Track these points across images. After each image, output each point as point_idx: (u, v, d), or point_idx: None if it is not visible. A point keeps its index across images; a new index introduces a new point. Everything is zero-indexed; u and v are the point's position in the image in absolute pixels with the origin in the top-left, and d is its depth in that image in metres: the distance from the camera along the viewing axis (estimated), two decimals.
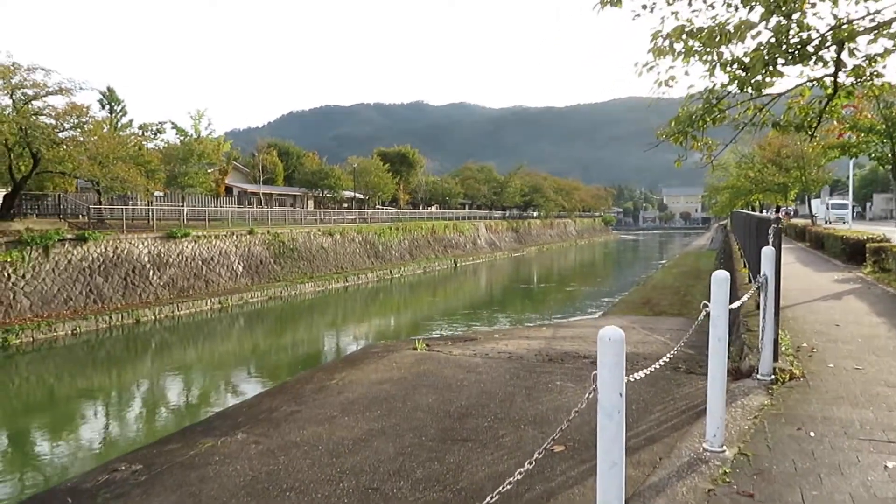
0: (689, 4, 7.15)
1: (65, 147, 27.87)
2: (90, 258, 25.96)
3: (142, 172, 31.16)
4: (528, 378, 7.00)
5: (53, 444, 12.76)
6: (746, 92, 7.43)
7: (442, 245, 56.15)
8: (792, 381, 5.91)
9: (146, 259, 28.21)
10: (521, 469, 2.74)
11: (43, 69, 27.37)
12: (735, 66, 7.40)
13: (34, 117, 26.90)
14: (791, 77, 8.03)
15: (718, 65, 7.34)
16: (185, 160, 38.33)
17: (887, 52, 7.41)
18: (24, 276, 23.19)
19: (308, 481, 4.58)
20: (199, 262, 30.79)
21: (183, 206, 35.76)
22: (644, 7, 7.13)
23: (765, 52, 6.24)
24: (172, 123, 42.70)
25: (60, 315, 23.17)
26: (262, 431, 5.60)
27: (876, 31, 7.15)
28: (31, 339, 20.76)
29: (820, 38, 7.08)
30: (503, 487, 2.68)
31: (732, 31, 6.20)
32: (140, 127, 39.47)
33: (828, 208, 47.80)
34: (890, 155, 14.72)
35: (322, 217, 46.74)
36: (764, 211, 41.50)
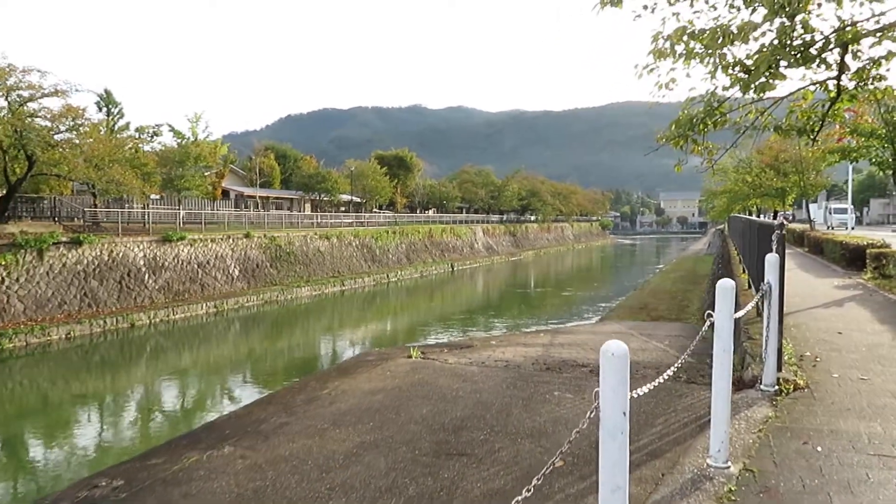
0: (691, 5, 7.01)
1: (60, 149, 27.69)
2: (85, 261, 25.76)
3: (138, 175, 31.00)
4: (526, 388, 6.82)
5: (39, 453, 12.55)
6: (748, 95, 7.30)
7: (439, 249, 55.99)
8: (796, 391, 5.75)
9: (141, 262, 28.02)
10: (518, 498, 2.58)
11: (39, 71, 27.22)
12: (737, 68, 7.27)
13: (29, 119, 26.72)
14: (794, 80, 7.91)
15: (720, 67, 7.21)
16: (182, 163, 38.11)
17: (891, 54, 7.28)
18: (17, 280, 22.98)
19: (295, 499, 4.40)
20: (195, 266, 30.60)
21: (179, 209, 35.58)
22: (645, 7, 6.98)
23: (768, 53, 6.08)
24: (170, 126, 42.43)
25: (55, 319, 22.98)
26: (249, 444, 5.41)
27: (881, 34, 7.02)
28: (25, 344, 20.57)
29: (824, 41, 6.95)
30: None
31: (736, 31, 6.04)
32: (137, 129, 39.34)
33: (830, 213, 46.74)
34: (891, 160, 14.58)
35: (319, 220, 46.58)
36: (761, 216, 41.27)
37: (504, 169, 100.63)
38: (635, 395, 2.93)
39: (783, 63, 6.72)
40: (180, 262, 29.88)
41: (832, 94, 7.87)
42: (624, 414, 2.56)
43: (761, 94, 7.24)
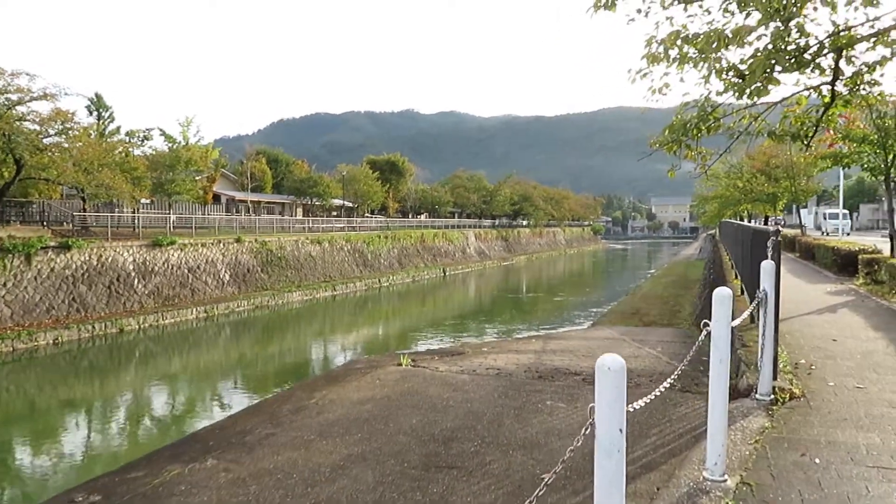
0: (685, 9, 6.94)
1: (49, 153, 27.45)
2: (73, 266, 25.52)
3: (128, 179, 30.75)
4: (518, 397, 6.69)
5: (21, 463, 12.33)
6: (742, 100, 7.23)
7: (431, 254, 55.88)
8: (792, 401, 5.66)
9: (131, 267, 27.79)
10: None
11: (28, 74, 26.96)
12: (731, 73, 7.20)
13: (18, 123, 26.46)
14: (788, 85, 7.86)
15: (714, 72, 7.14)
16: (172, 167, 37.89)
17: (885, 59, 7.24)
18: (4, 285, 22.73)
19: None
20: (186, 271, 30.38)
21: (170, 213, 35.36)
22: (639, 11, 6.91)
23: (763, 57, 6.01)
24: (161, 130, 42.30)
25: (42, 324, 22.73)
26: (233, 457, 5.25)
27: (875, 39, 6.97)
28: (11, 349, 20.33)
29: (818, 45, 6.89)
30: None
31: (731, 35, 5.96)
32: (127, 133, 39.11)
33: (824, 219, 45.97)
34: (882, 165, 14.59)
35: (310, 225, 46.40)
36: (753, 221, 41.25)
37: (496, 174, 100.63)
38: (631, 410, 2.82)
39: (777, 68, 6.66)
40: (170, 267, 29.66)
41: (826, 100, 7.82)
42: (620, 431, 2.45)
43: (755, 99, 7.18)
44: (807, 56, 6.93)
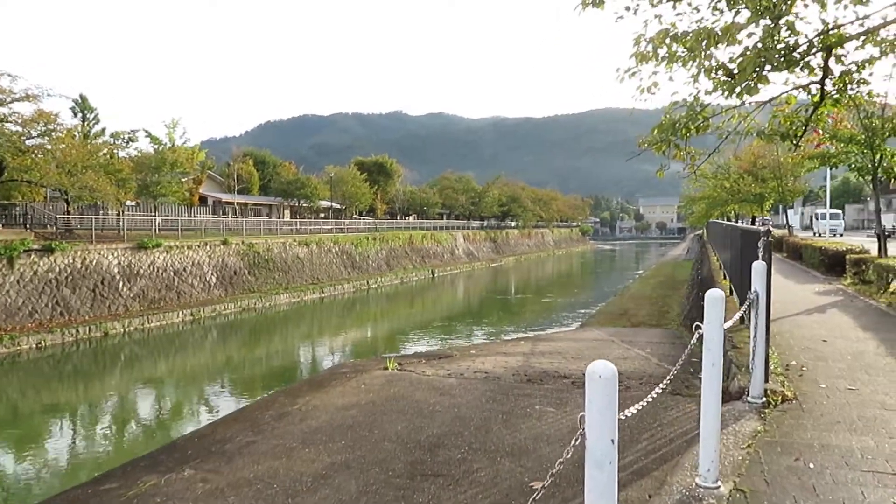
0: (674, 7, 6.86)
1: (32, 155, 27.11)
2: (57, 269, 25.20)
3: (112, 181, 30.42)
4: (506, 402, 6.55)
5: None
6: (731, 99, 7.17)
7: (419, 255, 55.73)
8: (784, 403, 5.57)
9: (116, 270, 27.48)
10: None
11: (9, 75, 26.68)
12: (720, 72, 7.13)
13: None
14: (777, 84, 7.81)
15: (703, 71, 7.07)
16: (158, 169, 37.53)
17: (873, 59, 7.19)
18: None
19: None
20: (171, 273, 30.09)
21: (155, 215, 35.02)
22: (627, 9, 6.82)
23: (754, 55, 5.93)
24: (146, 132, 41.88)
25: (25, 328, 22.42)
26: (212, 467, 5.08)
27: (864, 37, 6.92)
28: None
29: (808, 44, 6.83)
30: None
31: (720, 33, 5.88)
32: (112, 135, 38.76)
33: (817, 219, 43.72)
34: (870, 165, 14.60)
35: (298, 227, 46.14)
36: (740, 221, 41.34)
37: (484, 175, 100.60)
38: (623, 418, 2.70)
39: (767, 67, 6.59)
40: (156, 270, 29.37)
41: (815, 99, 7.77)
42: (612, 442, 2.33)
43: (743, 98, 7.11)
44: (796, 55, 6.88)
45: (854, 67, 7.29)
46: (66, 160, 27.72)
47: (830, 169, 22.81)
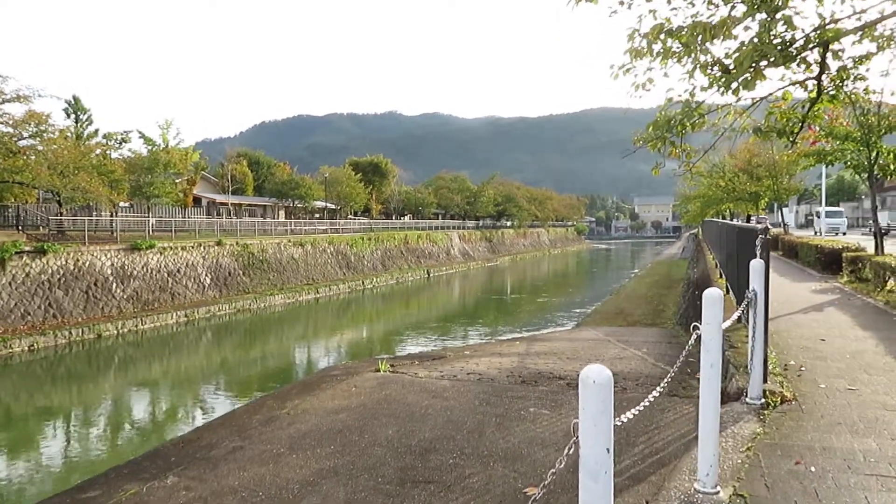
0: (668, 2, 6.74)
1: (24, 156, 26.88)
2: (50, 271, 25.02)
3: (105, 183, 30.21)
4: (500, 404, 6.41)
5: None
6: (727, 95, 7.07)
7: (415, 255, 55.58)
8: (784, 404, 5.46)
9: (109, 272, 27.30)
10: None
11: (0, 76, 26.43)
12: (716, 68, 7.02)
13: None
14: (773, 80, 7.70)
15: (699, 67, 6.96)
16: (151, 170, 37.31)
17: (870, 54, 7.09)
18: None
19: None
20: (165, 275, 29.91)
21: (149, 216, 34.82)
22: (621, 3, 6.70)
23: (750, 49, 5.82)
24: (140, 133, 41.70)
25: (17, 330, 22.24)
26: (196, 474, 4.93)
27: (862, 32, 6.82)
28: None
29: (804, 39, 6.72)
30: None
31: (716, 27, 5.77)
32: (104, 136, 38.53)
33: (819, 217, 41.13)
34: (866, 163, 14.52)
35: (293, 227, 45.96)
36: (736, 220, 41.22)
37: (480, 175, 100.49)
38: (619, 423, 2.58)
39: (763, 62, 6.49)
40: (149, 271, 29.19)
41: (812, 95, 7.67)
42: (608, 451, 2.21)
43: (739, 95, 7.00)
44: (793, 50, 6.77)
45: (851, 63, 7.19)
46: (57, 161, 27.50)
47: (828, 166, 22.71)
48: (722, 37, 6.00)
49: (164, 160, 38.36)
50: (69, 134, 33.92)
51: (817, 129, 12.83)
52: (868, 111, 13.47)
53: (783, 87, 7.80)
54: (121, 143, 38.14)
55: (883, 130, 13.79)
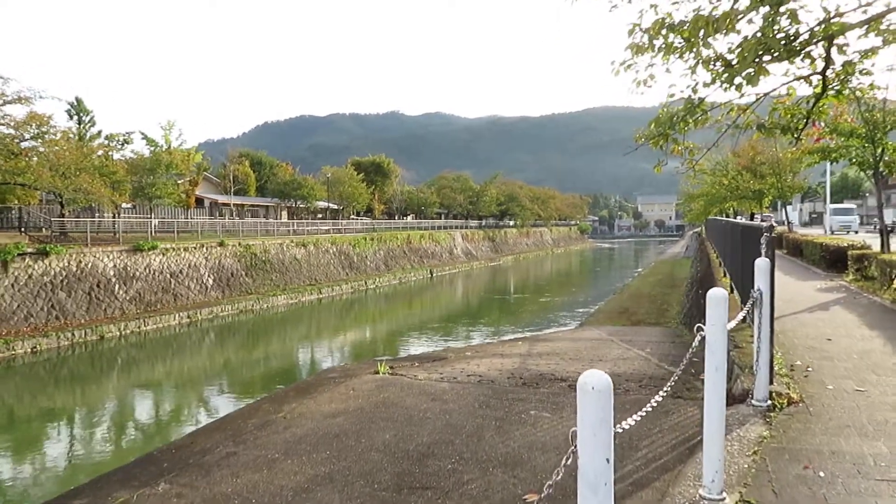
0: None
1: (25, 158, 26.86)
2: (52, 273, 24.98)
3: (107, 184, 30.20)
4: (500, 407, 6.29)
5: None
6: (730, 90, 6.94)
7: (418, 255, 55.49)
8: (790, 406, 5.34)
9: (111, 273, 27.26)
10: None
11: (1, 77, 26.40)
12: (719, 63, 6.90)
13: None
14: (777, 76, 7.56)
15: (701, 62, 6.84)
16: (153, 171, 37.29)
17: (876, 49, 6.97)
18: None
19: None
20: (168, 276, 29.86)
21: (151, 217, 34.80)
22: None
23: (754, 42, 5.70)
24: (142, 134, 41.69)
25: (20, 332, 22.20)
26: (188, 481, 4.82)
27: (867, 26, 6.69)
28: None
29: (809, 33, 6.60)
30: None
31: (719, 19, 5.64)
32: (107, 137, 38.51)
33: (829, 215, 38.77)
34: (871, 160, 14.37)
35: (295, 228, 45.91)
36: (739, 218, 40.96)
37: (482, 174, 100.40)
38: (619, 430, 2.47)
39: (767, 57, 6.37)
40: (152, 272, 29.14)
41: (817, 91, 7.54)
42: (607, 461, 2.10)
43: (742, 90, 6.88)
44: (797, 45, 6.64)
45: (857, 57, 7.06)
46: (59, 163, 27.48)
47: (833, 163, 22.53)
48: (725, 31, 5.87)
49: (166, 161, 38.36)
50: (72, 135, 33.89)
51: (822, 125, 12.70)
52: (873, 107, 13.33)
53: (787, 83, 7.68)
54: (123, 145, 38.08)
55: (888, 127, 13.63)
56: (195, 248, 32.13)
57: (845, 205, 41.56)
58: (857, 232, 35.89)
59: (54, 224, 29.63)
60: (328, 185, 57.48)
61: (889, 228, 16.49)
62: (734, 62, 6.54)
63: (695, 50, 6.59)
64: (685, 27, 6.38)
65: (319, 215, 59.16)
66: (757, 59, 6.21)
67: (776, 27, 6.29)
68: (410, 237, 56.20)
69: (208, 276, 32.06)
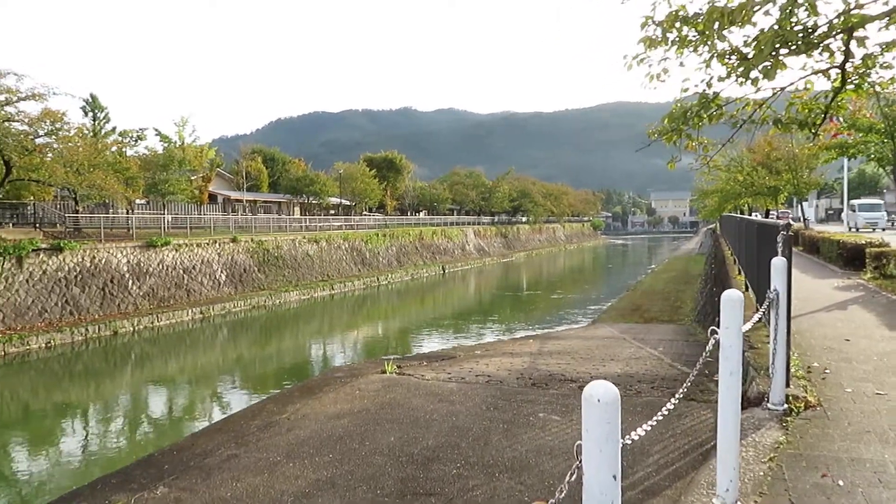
0: None
1: (39, 154, 27.00)
2: (66, 268, 25.13)
3: (120, 180, 30.35)
4: (508, 409, 6.16)
5: None
6: (745, 85, 6.77)
7: (430, 251, 55.41)
8: (808, 410, 5.17)
9: (125, 269, 27.38)
10: None
11: (15, 74, 26.53)
12: (734, 56, 6.73)
13: (6, 123, 26.00)
14: (794, 70, 7.37)
15: (716, 55, 6.68)
16: (166, 167, 37.44)
17: None
18: None
19: None
20: (181, 272, 29.96)
21: (164, 213, 34.93)
22: None
23: (771, 34, 5.52)
24: (156, 130, 41.89)
25: (35, 327, 22.34)
26: (187, 484, 4.73)
27: (888, 18, 6.49)
28: (3, 353, 20.01)
29: (828, 25, 6.41)
30: None
31: (735, 11, 5.47)
32: (120, 134, 38.69)
33: (854, 211, 36.06)
34: (890, 155, 14.10)
35: (307, 224, 45.98)
36: (755, 215, 40.50)
37: (495, 170, 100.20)
38: (629, 442, 2.34)
39: (784, 50, 6.19)
40: (165, 268, 29.25)
41: (836, 84, 7.34)
42: (614, 478, 1.97)
43: (757, 85, 6.70)
44: (815, 37, 6.46)
45: (877, 50, 6.86)
46: (73, 159, 27.60)
47: (850, 159, 22.16)
48: (740, 23, 5.69)
49: (180, 157, 38.52)
50: (86, 132, 34.05)
51: (840, 120, 12.46)
52: (893, 102, 13.07)
53: (805, 77, 7.49)
54: (136, 141, 38.27)
55: None
56: (208, 244, 32.23)
57: (872, 199, 37.62)
58: (884, 229, 32.94)
59: (68, 220, 29.80)
60: (340, 182, 57.51)
61: None
62: (750, 55, 6.38)
63: (709, 43, 6.44)
64: (699, 19, 6.22)
65: (332, 211, 59.24)
66: (774, 53, 6.05)
67: (794, 19, 6.11)
68: (422, 233, 56.12)
69: (221, 271, 32.15)
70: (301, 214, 53.49)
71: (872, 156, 14.79)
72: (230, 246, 33.54)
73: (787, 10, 5.81)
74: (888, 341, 7.62)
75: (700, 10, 6.46)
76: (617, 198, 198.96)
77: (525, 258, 70.73)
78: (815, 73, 7.35)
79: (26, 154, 26.22)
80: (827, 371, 6.31)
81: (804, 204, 38.55)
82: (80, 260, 25.78)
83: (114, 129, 41.29)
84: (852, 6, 6.41)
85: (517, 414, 5.99)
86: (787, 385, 5.46)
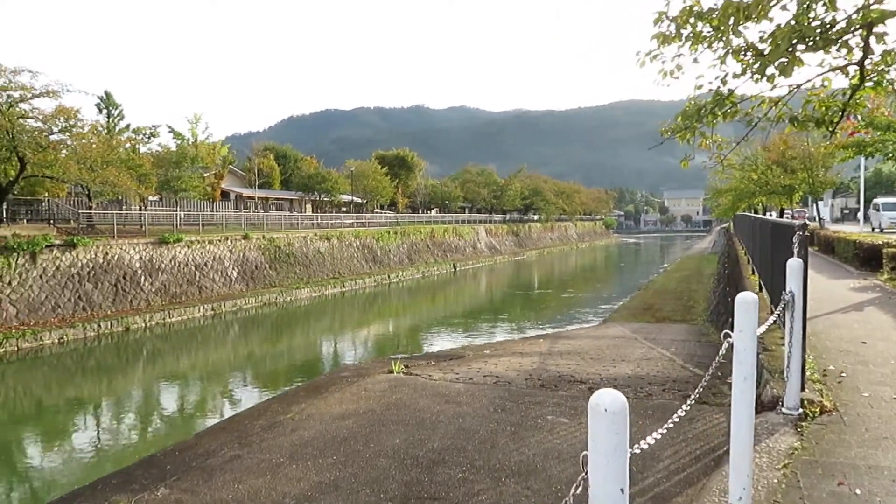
0: None
1: (53, 151, 27.16)
2: (79, 264, 25.27)
3: (133, 177, 30.51)
4: (516, 410, 6.07)
5: None
6: (761, 82, 6.63)
7: (441, 249, 55.34)
8: (823, 415, 5.04)
9: (137, 265, 27.50)
10: None
11: (29, 71, 26.70)
12: (749, 53, 6.60)
13: (20, 120, 26.17)
14: (811, 66, 7.22)
15: (731, 52, 6.55)
16: (178, 164, 37.60)
17: None
18: (10, 284, 22.47)
19: None
20: (193, 268, 30.07)
21: (177, 210, 35.07)
22: None
23: (788, 29, 5.39)
24: (169, 127, 42.09)
25: (48, 323, 22.47)
26: (189, 485, 4.68)
27: None
28: (16, 349, 20.11)
29: (846, 21, 6.26)
30: None
31: (751, 6, 5.35)
32: (133, 131, 38.89)
33: (877, 210, 33.36)
34: None
35: (319, 221, 46.04)
36: (770, 214, 40.10)
37: (506, 168, 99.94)
38: (637, 451, 2.25)
39: (801, 46, 6.06)
40: (177, 265, 29.35)
41: (854, 82, 7.19)
42: (622, 491, 1.87)
43: (773, 82, 6.57)
44: (833, 33, 6.32)
45: None
46: (86, 156, 27.74)
47: (868, 158, 21.83)
48: (756, 18, 5.57)
49: (192, 154, 38.66)
50: (100, 128, 34.24)
51: (858, 118, 12.24)
52: None
53: (822, 74, 7.34)
54: (149, 138, 38.46)
55: None
56: (220, 241, 32.31)
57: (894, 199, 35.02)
58: None
59: (82, 216, 29.98)
60: (352, 179, 57.55)
61: None
62: (766, 52, 6.25)
63: (724, 39, 6.31)
64: (714, 15, 6.11)
65: (343, 209, 59.30)
66: (790, 49, 5.91)
67: (811, 14, 5.98)
68: (434, 231, 56.05)
69: (233, 268, 32.23)
70: (313, 212, 53.58)
71: (890, 154, 14.54)
72: (242, 243, 33.61)
73: (805, 5, 5.68)
74: None
75: (715, 5, 6.34)
76: (629, 196, 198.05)
77: (536, 256, 70.50)
78: (833, 69, 7.19)
79: (40, 151, 26.38)
80: (843, 374, 6.17)
81: (819, 203, 38.13)
82: (93, 256, 25.91)
83: (128, 127, 41.52)
84: (872, 1, 6.27)
85: (525, 416, 5.89)
86: (803, 389, 5.33)
